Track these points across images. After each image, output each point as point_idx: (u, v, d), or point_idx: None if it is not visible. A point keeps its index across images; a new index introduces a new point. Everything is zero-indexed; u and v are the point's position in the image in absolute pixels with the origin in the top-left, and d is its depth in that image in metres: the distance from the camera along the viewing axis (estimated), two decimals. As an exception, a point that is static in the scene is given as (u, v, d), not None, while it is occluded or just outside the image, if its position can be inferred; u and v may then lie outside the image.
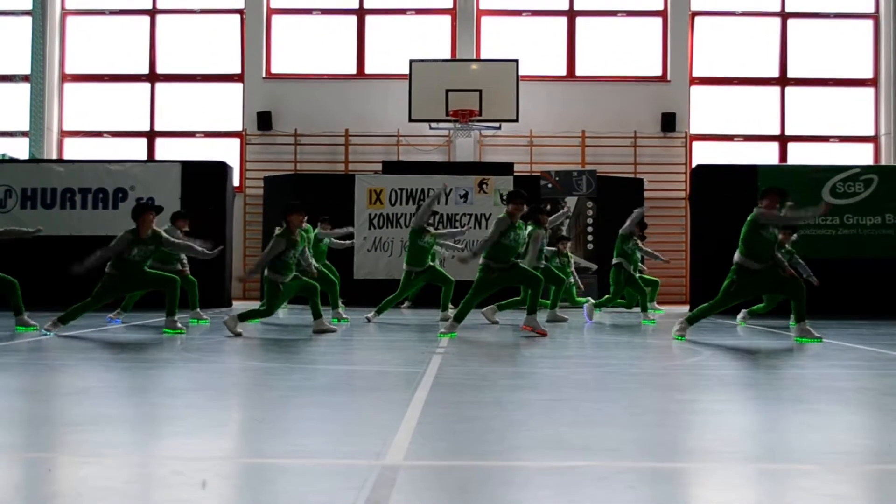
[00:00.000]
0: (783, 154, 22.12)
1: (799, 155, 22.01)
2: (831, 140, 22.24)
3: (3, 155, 20.28)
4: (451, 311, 13.53)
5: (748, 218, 10.53)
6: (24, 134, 22.33)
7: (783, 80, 22.30)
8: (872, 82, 22.31)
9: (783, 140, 22.21)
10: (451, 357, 8.58)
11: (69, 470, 4.01)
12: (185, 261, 13.09)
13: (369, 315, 13.51)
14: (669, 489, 3.77)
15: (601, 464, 4.10)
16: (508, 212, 10.98)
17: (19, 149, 22.12)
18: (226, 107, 22.49)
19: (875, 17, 22.34)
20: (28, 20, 22.41)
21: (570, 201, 18.40)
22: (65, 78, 22.77)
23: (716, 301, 10.60)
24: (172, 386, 6.95)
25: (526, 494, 3.56)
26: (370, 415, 5.47)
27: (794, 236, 13.74)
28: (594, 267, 18.55)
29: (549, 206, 14.56)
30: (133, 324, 12.74)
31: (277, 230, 11.09)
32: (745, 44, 22.39)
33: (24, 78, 22.46)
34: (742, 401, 6.52)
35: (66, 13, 22.81)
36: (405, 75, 20.44)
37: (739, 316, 13.78)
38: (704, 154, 21.59)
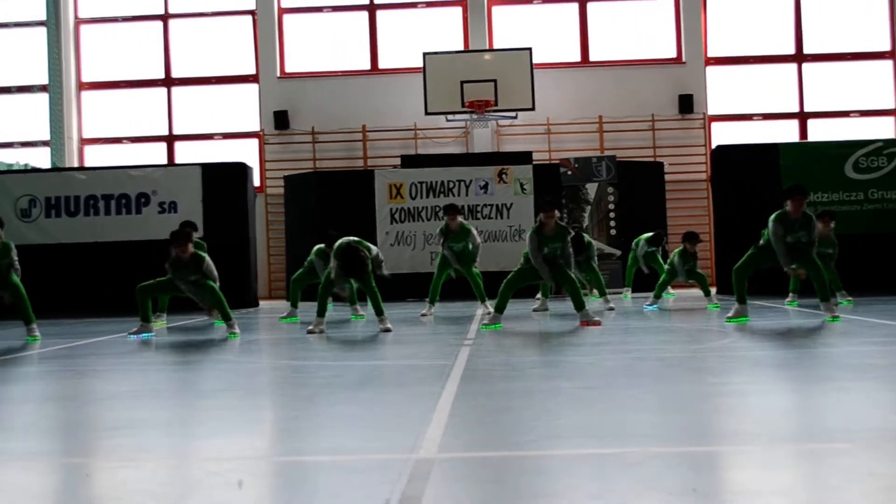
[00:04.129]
0: (803, 131, 21.98)
1: (819, 131, 21.87)
2: (851, 115, 22.08)
3: (26, 165, 20.41)
4: (490, 303, 13.49)
5: (770, 218, 10.47)
6: (44, 143, 22.45)
7: (800, 57, 22.15)
8: (890, 54, 22.12)
9: (803, 117, 22.07)
10: (479, 348, 8.59)
11: (106, 474, 4.04)
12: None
13: (423, 311, 13.46)
14: (704, 473, 3.77)
15: (635, 450, 4.09)
16: (541, 222, 10.91)
17: (41, 158, 22.25)
18: (242, 108, 22.52)
19: (890, -11, 22.16)
20: (43, 30, 22.51)
21: (591, 187, 18.38)
22: (82, 86, 22.87)
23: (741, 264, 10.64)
24: (204, 387, 6.99)
25: (561, 483, 3.56)
26: (402, 409, 5.48)
27: (833, 223, 13.62)
28: (618, 253, 18.50)
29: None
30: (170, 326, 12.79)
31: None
32: (760, 21, 22.23)
33: (42, 88, 22.58)
34: (773, 381, 6.50)
35: (79, 21, 22.90)
36: (419, 68, 20.42)
37: (788, 299, 13.64)
38: (724, 134, 21.47)
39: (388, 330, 10.68)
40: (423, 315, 13.24)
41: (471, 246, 13.44)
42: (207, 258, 11.04)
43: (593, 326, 10.51)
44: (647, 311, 13.14)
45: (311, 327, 10.79)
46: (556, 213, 11.16)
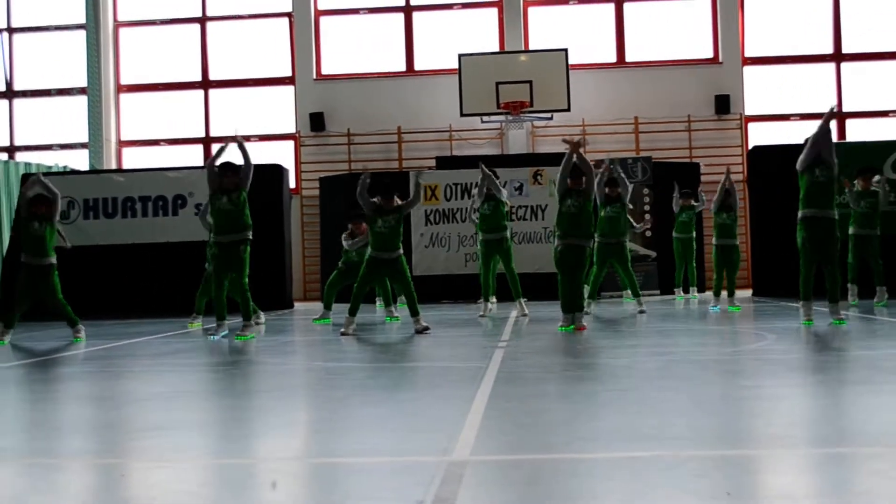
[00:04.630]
0: (841, 131, 21.78)
1: (858, 131, 21.69)
2: (891, 114, 21.88)
3: (65, 167, 20.61)
4: (524, 301, 13.44)
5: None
6: (83, 146, 22.65)
7: (838, 56, 21.97)
8: (930, 54, 21.93)
9: (841, 117, 21.86)
10: (512, 351, 8.59)
11: (142, 475, 4.08)
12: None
13: (482, 312, 13.39)
14: (739, 476, 3.76)
15: (669, 453, 4.09)
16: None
17: (79, 160, 22.45)
18: (279, 110, 22.64)
19: (930, -13, 21.95)
20: (82, 34, 22.70)
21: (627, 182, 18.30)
22: (120, 89, 23.07)
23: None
24: (239, 389, 7.03)
25: (595, 486, 3.57)
26: (435, 411, 5.49)
27: (876, 178, 13.63)
28: (653, 254, 18.42)
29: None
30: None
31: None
32: (798, 21, 22.08)
33: (81, 90, 22.78)
34: (808, 385, 6.46)
35: (118, 25, 23.11)
36: (455, 70, 20.44)
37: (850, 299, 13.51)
38: (761, 135, 21.32)
39: (424, 329, 10.62)
40: (482, 316, 13.15)
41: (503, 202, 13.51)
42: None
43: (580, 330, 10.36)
44: (712, 312, 13.03)
45: (343, 329, 10.77)
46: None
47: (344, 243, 13.45)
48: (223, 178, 10.71)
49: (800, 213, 10.25)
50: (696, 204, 16.46)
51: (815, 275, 10.22)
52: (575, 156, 10.41)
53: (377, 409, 5.70)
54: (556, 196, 11.03)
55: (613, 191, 13.06)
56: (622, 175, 13.54)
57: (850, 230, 13.63)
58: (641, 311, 13.15)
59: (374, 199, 11.09)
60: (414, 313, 10.93)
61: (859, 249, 13.55)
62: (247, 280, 10.73)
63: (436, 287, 17.88)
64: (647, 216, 17.63)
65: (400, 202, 11.18)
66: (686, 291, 16.81)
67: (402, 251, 11.20)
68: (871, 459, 3.89)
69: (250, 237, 10.76)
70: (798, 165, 10.28)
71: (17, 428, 5.47)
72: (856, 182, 13.43)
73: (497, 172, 13.87)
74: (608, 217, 13.02)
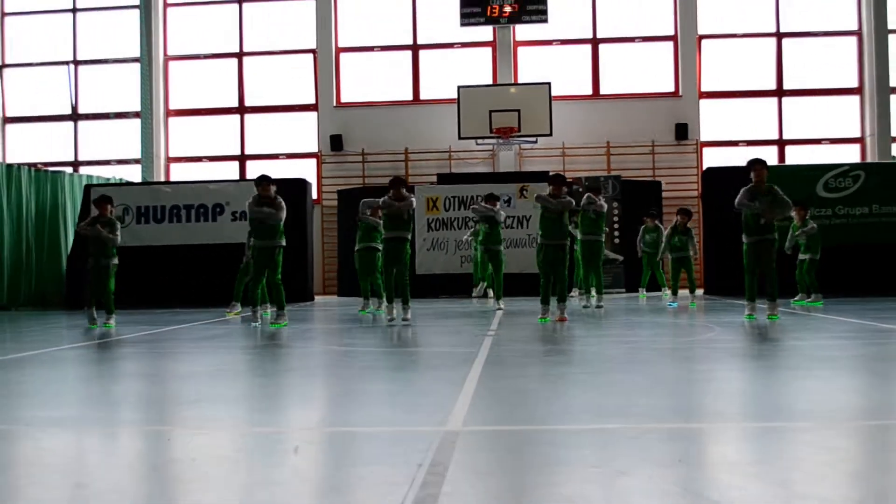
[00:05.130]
0: (781, 155, 21.80)
1: (795, 156, 21.70)
2: (823, 142, 21.89)
3: (121, 179, 20.61)
4: (502, 302, 13.48)
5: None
6: (136, 161, 22.65)
7: (780, 92, 21.99)
8: (857, 91, 21.92)
9: (781, 143, 21.90)
10: (499, 339, 8.60)
11: (185, 440, 4.09)
12: None
13: (500, 304, 13.38)
14: (691, 446, 3.78)
15: (632, 426, 4.10)
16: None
17: (133, 174, 22.45)
18: (303, 132, 22.62)
19: (858, 33, 21.95)
20: (137, 66, 22.73)
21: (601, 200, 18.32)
22: (169, 113, 23.07)
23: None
24: (266, 368, 7.04)
25: (570, 453, 3.58)
26: (433, 388, 5.50)
27: (806, 213, 13.68)
28: (621, 258, 18.44)
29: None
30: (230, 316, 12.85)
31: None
32: (746, 61, 22.09)
33: (136, 114, 22.79)
34: (750, 370, 6.48)
35: (168, 58, 23.11)
36: (454, 99, 20.46)
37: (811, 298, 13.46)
38: (713, 158, 21.31)
39: (405, 320, 10.64)
40: (499, 308, 13.18)
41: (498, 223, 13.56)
42: (281, 199, 10.92)
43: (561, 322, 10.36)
44: (670, 307, 13.13)
45: (385, 315, 10.83)
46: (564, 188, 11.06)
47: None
48: None
49: (744, 239, 10.43)
50: (660, 225, 16.43)
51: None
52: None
53: (383, 386, 5.71)
54: (537, 207, 11.04)
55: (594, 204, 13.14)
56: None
57: (800, 255, 13.69)
58: (599, 307, 13.21)
59: (383, 198, 10.95)
60: (405, 301, 10.88)
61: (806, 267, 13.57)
62: (279, 277, 10.78)
63: (435, 284, 17.92)
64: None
65: (408, 195, 11.00)
66: (658, 290, 16.75)
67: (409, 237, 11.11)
68: (801, 432, 3.91)
69: (284, 244, 10.82)
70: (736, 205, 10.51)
71: (77, 401, 5.49)
72: (793, 214, 13.14)
73: (495, 193, 13.93)
74: (590, 220, 13.14)
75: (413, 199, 10.98)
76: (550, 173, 11.65)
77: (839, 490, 2.95)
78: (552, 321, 10.36)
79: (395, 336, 9.35)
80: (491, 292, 13.85)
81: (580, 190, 14.19)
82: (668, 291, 16.59)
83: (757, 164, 10.51)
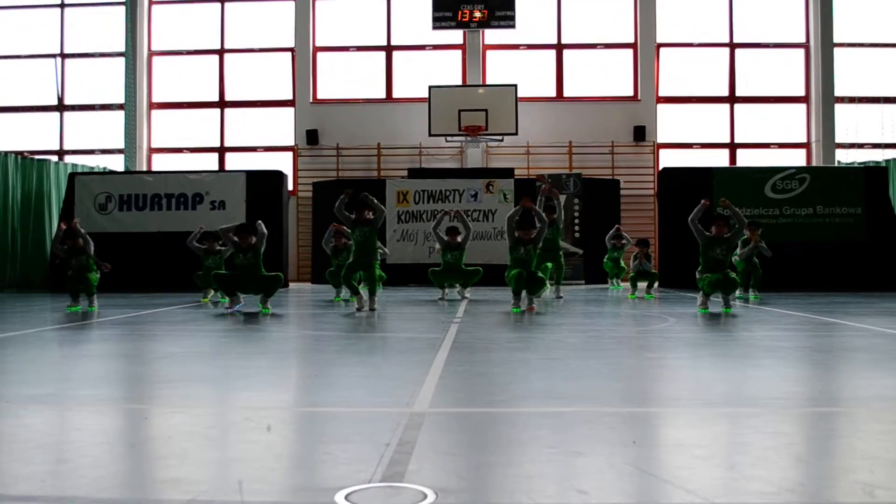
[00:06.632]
0: (733, 158, 21.99)
1: (745, 158, 21.90)
2: (771, 146, 22.10)
3: (104, 168, 20.37)
4: (468, 291, 13.52)
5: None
6: (120, 151, 22.40)
7: (732, 98, 22.16)
8: (804, 99, 22.15)
9: (733, 147, 22.08)
10: (465, 326, 8.59)
11: (161, 418, 4.04)
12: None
13: (466, 294, 13.47)
14: (644, 429, 3.78)
15: (588, 409, 4.11)
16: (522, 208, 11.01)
17: (116, 163, 22.20)
18: (281, 126, 22.49)
19: (806, 46, 22.16)
20: (122, 60, 22.46)
21: (560, 198, 18.36)
22: (152, 106, 22.81)
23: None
24: (241, 350, 6.98)
25: (528, 433, 3.57)
26: (401, 372, 5.48)
27: (759, 230, 13.73)
28: (580, 251, 18.52)
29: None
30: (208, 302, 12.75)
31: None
32: (701, 69, 22.26)
33: (120, 106, 22.52)
34: (701, 358, 6.51)
35: (152, 54, 22.84)
36: (425, 98, 20.41)
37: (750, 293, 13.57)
38: (669, 159, 21.47)
39: (373, 309, 10.58)
40: (465, 297, 13.29)
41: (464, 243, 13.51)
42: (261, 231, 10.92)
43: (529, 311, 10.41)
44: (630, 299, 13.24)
45: (357, 305, 10.82)
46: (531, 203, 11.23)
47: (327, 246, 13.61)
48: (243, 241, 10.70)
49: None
50: (624, 242, 16.46)
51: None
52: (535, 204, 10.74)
53: (353, 369, 5.68)
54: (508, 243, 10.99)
55: (549, 216, 13.04)
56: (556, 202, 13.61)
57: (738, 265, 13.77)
58: (559, 297, 13.29)
59: (351, 215, 11.02)
60: (371, 293, 10.87)
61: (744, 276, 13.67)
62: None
63: (405, 273, 17.90)
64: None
65: (371, 216, 11.01)
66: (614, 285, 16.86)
67: (377, 258, 11.22)
68: (750, 417, 3.92)
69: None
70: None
71: (56, 378, 5.41)
72: (745, 232, 13.17)
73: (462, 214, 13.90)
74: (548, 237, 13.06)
75: (377, 218, 10.92)
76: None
77: (783, 473, 2.96)
78: (523, 310, 10.42)
79: (365, 322, 9.31)
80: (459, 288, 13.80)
81: (541, 185, 14.23)
82: (618, 283, 16.72)
83: (719, 220, 10.59)
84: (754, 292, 13.50)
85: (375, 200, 11.11)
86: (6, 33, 23.34)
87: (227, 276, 10.79)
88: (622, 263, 16.45)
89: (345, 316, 10.14)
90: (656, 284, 15.64)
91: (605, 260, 16.70)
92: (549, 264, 13.43)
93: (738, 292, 13.58)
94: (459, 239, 13.36)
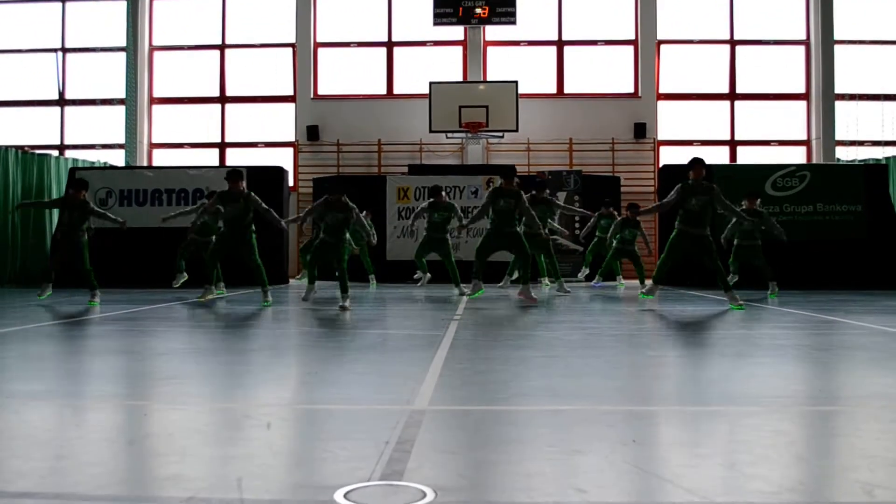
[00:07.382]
0: (733, 155, 21.97)
1: (746, 156, 21.89)
2: (772, 144, 22.08)
3: (105, 163, 20.35)
4: (465, 286, 13.52)
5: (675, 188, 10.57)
6: (120, 146, 22.38)
7: (733, 95, 22.14)
8: (805, 96, 22.12)
9: (733, 144, 22.07)
10: (465, 323, 8.58)
11: (161, 415, 4.04)
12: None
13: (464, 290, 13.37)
14: (643, 427, 3.78)
15: (587, 407, 4.10)
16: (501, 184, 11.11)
17: (117, 158, 22.18)
18: (282, 122, 22.47)
19: (806, 43, 22.13)
20: (123, 55, 22.43)
21: (560, 196, 18.35)
22: (153, 101, 22.79)
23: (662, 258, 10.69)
24: (241, 347, 6.98)
25: (528, 432, 3.57)
26: (401, 369, 5.47)
27: (758, 201, 13.75)
28: (580, 248, 18.48)
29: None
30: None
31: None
32: (702, 66, 22.23)
33: (121, 101, 22.50)
34: (700, 356, 6.51)
35: (153, 49, 22.81)
36: (426, 95, 20.39)
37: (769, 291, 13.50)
38: (669, 156, 21.45)
39: (343, 308, 10.32)
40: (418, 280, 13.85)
41: (453, 217, 13.79)
42: (254, 195, 11.22)
43: (530, 303, 10.44)
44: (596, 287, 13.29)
45: (304, 295, 11.12)
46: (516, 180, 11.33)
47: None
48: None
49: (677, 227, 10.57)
50: (614, 213, 16.48)
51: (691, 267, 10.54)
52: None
53: (353, 366, 5.68)
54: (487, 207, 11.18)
55: (540, 193, 13.20)
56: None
57: (735, 241, 13.76)
58: (566, 292, 13.32)
59: (324, 197, 11.05)
60: (344, 290, 10.70)
61: (741, 256, 13.68)
62: (258, 258, 11.12)
63: (405, 270, 17.86)
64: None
65: (347, 202, 10.92)
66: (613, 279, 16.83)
67: (349, 250, 11.35)
68: (749, 416, 3.92)
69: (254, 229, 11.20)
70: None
71: (56, 375, 5.40)
72: (743, 202, 13.42)
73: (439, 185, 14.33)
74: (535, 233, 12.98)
75: (354, 214, 10.92)
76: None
77: (783, 471, 2.95)
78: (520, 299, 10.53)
79: (365, 319, 9.30)
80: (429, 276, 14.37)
81: (540, 181, 14.36)
82: (583, 272, 16.67)
83: (696, 163, 10.41)
84: (773, 288, 13.49)
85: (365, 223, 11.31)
86: (7, 27, 23.31)
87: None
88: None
89: (344, 314, 10.12)
90: (648, 282, 15.59)
91: (607, 257, 16.67)
92: (542, 259, 13.50)
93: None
94: (444, 196, 13.73)
